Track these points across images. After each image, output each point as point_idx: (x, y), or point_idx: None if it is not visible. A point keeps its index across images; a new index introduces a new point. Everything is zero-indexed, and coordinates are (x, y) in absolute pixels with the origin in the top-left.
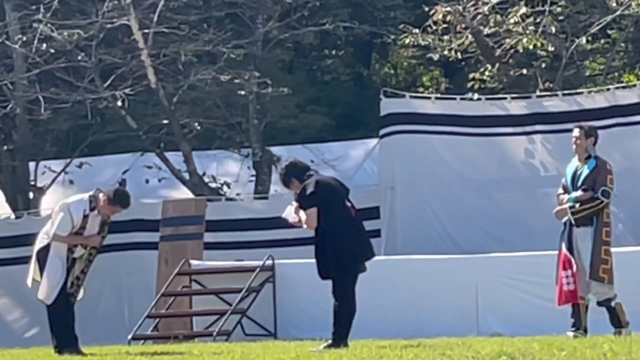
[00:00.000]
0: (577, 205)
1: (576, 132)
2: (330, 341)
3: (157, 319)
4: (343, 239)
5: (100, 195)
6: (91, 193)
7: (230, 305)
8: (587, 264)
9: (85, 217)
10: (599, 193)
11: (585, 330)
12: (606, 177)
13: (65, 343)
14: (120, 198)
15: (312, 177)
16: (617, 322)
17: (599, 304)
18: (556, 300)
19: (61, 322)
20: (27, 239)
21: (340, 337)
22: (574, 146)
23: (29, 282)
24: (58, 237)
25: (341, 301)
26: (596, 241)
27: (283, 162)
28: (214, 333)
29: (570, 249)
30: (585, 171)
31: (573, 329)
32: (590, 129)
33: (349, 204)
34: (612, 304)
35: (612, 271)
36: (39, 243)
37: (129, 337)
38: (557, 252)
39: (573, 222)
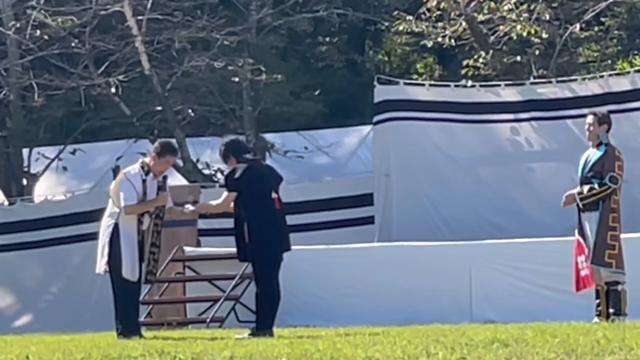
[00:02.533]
0: (586, 190)
1: (590, 118)
2: (253, 329)
3: (151, 306)
4: (262, 229)
5: (147, 159)
6: (140, 161)
7: (224, 291)
8: (591, 248)
9: (144, 181)
10: (606, 179)
11: (607, 316)
12: (614, 163)
13: (130, 327)
14: (166, 147)
15: (246, 163)
16: (618, 308)
17: (606, 284)
18: (574, 286)
19: (130, 304)
20: (21, 226)
21: (263, 325)
22: (587, 133)
23: (100, 269)
24: (130, 208)
25: (261, 288)
26: (601, 226)
27: (223, 141)
28: (208, 319)
29: (582, 234)
30: (595, 157)
31: (597, 313)
32: (603, 116)
33: (275, 196)
34: (619, 287)
35: (621, 256)
36: (107, 229)
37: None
38: (552, 239)
39: (581, 206)
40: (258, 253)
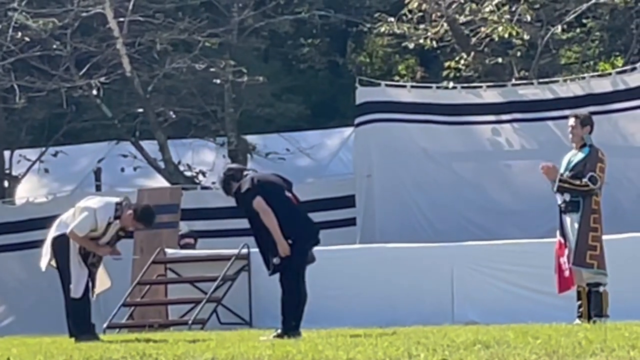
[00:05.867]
0: (566, 176)
1: (572, 121)
2: (279, 330)
3: (133, 308)
4: (285, 227)
5: (126, 209)
6: (118, 200)
7: (206, 293)
8: (573, 249)
9: (109, 224)
10: (586, 178)
11: (589, 317)
12: (596, 164)
13: (82, 331)
14: (144, 216)
15: (248, 176)
16: (599, 309)
17: (588, 285)
18: (557, 287)
19: (81, 314)
20: (2, 228)
21: (289, 327)
22: (570, 135)
23: (43, 266)
24: (74, 235)
25: (287, 289)
26: (582, 227)
27: (222, 172)
28: (189, 322)
29: (563, 235)
30: (578, 158)
31: (579, 314)
32: (585, 118)
33: (289, 195)
34: (600, 289)
35: (603, 257)
36: (57, 230)
37: (104, 325)
38: (535, 240)
39: (554, 189)
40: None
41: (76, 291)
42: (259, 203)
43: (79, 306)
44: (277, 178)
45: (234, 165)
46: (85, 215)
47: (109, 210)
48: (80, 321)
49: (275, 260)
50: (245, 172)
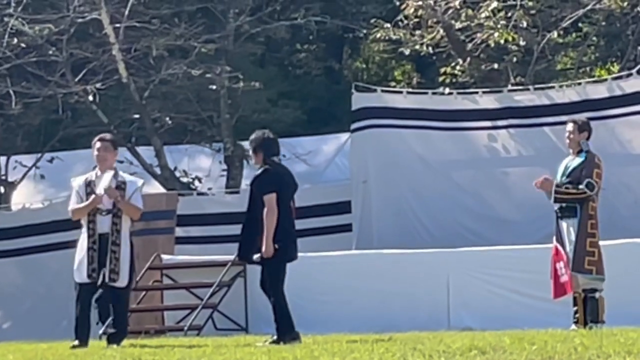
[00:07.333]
0: (563, 186)
1: (570, 126)
2: (275, 337)
3: (128, 314)
4: (277, 235)
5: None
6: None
7: (202, 299)
8: (571, 256)
9: (89, 183)
10: (583, 184)
11: (585, 323)
12: (593, 170)
13: (75, 333)
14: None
15: (273, 166)
16: (595, 315)
17: (584, 291)
18: (552, 293)
19: (77, 307)
20: None
21: (285, 333)
22: (567, 141)
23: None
24: (72, 212)
25: (275, 296)
26: (580, 233)
27: (263, 132)
28: (185, 328)
29: (560, 241)
30: (575, 164)
31: (575, 320)
32: (583, 123)
33: (291, 204)
34: (597, 295)
35: (601, 263)
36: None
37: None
38: (531, 246)
39: (552, 200)
40: (272, 259)
41: (78, 274)
42: (270, 200)
43: (78, 294)
44: (291, 180)
45: (275, 141)
46: (72, 195)
47: (83, 176)
48: (77, 307)
49: (256, 258)
50: (273, 158)
